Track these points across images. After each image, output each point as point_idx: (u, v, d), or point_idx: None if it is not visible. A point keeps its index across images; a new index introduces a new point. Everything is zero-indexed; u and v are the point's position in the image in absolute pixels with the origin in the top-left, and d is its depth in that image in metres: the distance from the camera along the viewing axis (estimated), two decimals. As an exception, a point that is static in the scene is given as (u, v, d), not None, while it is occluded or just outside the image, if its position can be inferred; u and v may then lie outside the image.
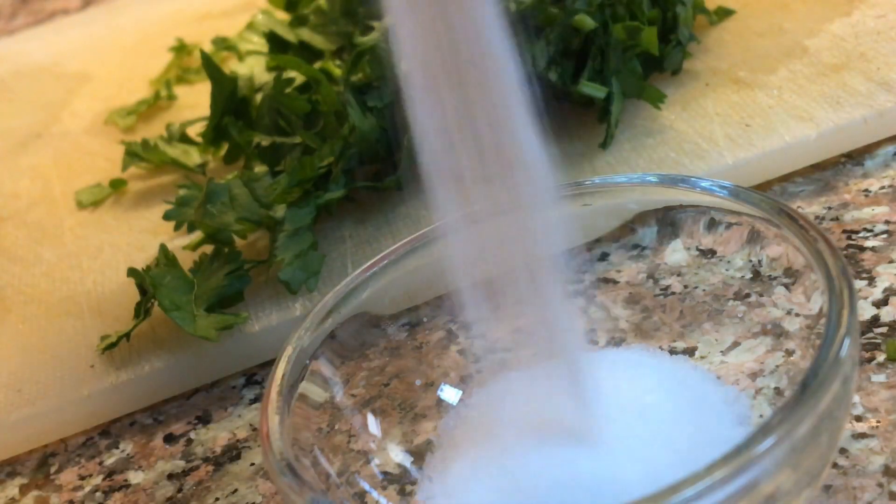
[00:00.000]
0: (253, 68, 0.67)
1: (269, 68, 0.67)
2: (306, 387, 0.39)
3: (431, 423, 0.41)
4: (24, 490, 0.49)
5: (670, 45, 0.60)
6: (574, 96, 0.57)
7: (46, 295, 0.59)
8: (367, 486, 0.39)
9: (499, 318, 0.40)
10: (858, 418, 0.40)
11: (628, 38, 0.57)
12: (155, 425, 0.51)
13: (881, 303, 0.45)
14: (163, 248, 0.53)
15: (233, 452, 0.48)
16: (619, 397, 0.38)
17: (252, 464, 0.47)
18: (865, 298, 0.45)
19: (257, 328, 0.51)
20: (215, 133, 0.62)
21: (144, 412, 0.52)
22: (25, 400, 0.52)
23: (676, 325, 0.42)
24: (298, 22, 0.70)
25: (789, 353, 0.38)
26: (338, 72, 0.61)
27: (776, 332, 0.39)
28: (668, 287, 0.43)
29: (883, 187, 0.51)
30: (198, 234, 0.56)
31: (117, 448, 0.50)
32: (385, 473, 0.40)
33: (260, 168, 0.57)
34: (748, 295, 0.40)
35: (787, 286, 0.39)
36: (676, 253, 0.42)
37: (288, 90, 0.59)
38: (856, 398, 0.41)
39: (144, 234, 0.61)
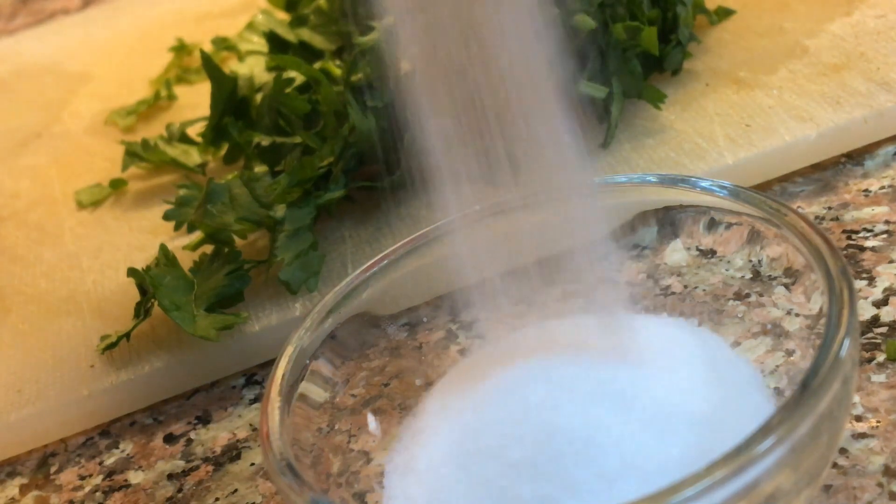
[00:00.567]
0: (253, 68, 0.68)
1: (269, 68, 0.67)
2: (306, 387, 0.39)
3: (431, 423, 0.41)
4: (24, 490, 0.49)
5: (670, 45, 0.60)
6: (574, 96, 0.57)
7: (46, 295, 0.59)
8: (367, 486, 0.39)
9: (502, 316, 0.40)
10: (858, 418, 0.40)
11: (628, 38, 0.57)
12: (155, 425, 0.51)
13: (881, 303, 0.45)
14: (163, 248, 0.53)
15: (233, 452, 0.48)
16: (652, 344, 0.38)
17: (252, 464, 0.47)
18: (865, 298, 0.45)
19: (257, 328, 0.51)
20: (215, 133, 0.62)
21: (144, 412, 0.52)
22: (25, 400, 0.52)
23: (676, 325, 0.42)
24: (298, 22, 0.70)
25: (789, 353, 0.38)
26: (338, 72, 0.61)
27: (776, 332, 0.39)
28: (668, 287, 0.43)
29: (883, 187, 0.51)
30: (198, 234, 0.56)
31: (117, 448, 0.50)
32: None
33: (260, 168, 0.57)
34: (748, 295, 0.40)
35: (787, 286, 0.39)
36: (676, 253, 0.42)
37: (288, 90, 0.59)
38: (856, 398, 0.41)
39: (144, 234, 0.61)
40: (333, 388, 0.41)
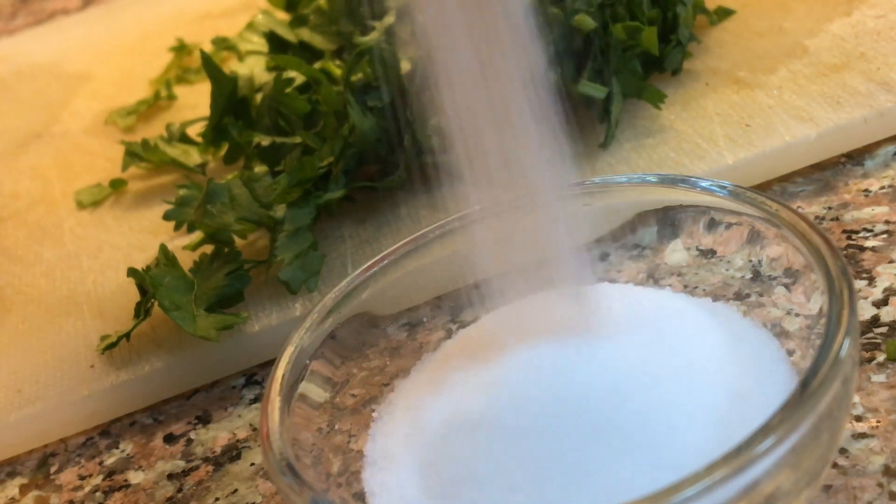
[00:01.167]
0: (253, 68, 0.67)
1: (269, 68, 0.67)
2: (306, 387, 0.39)
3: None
4: (24, 490, 0.49)
5: (670, 45, 0.60)
6: (574, 96, 0.57)
7: (46, 295, 0.59)
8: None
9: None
10: (858, 418, 0.40)
11: (628, 38, 0.57)
12: (155, 425, 0.51)
13: (881, 303, 0.45)
14: (163, 248, 0.53)
15: (233, 452, 0.48)
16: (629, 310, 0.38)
17: (252, 464, 0.47)
18: (865, 298, 0.45)
19: (257, 328, 0.51)
20: (215, 133, 0.62)
21: (144, 412, 0.52)
22: (25, 400, 0.52)
23: (676, 325, 0.42)
24: (298, 22, 0.70)
25: (789, 353, 0.38)
26: (338, 72, 0.61)
27: (776, 332, 0.39)
28: (668, 287, 0.43)
29: (883, 187, 0.51)
30: (198, 234, 0.56)
31: (117, 448, 0.50)
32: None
33: (260, 168, 0.57)
34: (748, 295, 0.40)
35: (787, 286, 0.39)
36: (676, 253, 0.42)
37: (288, 90, 0.59)
38: (856, 398, 0.41)
39: (144, 234, 0.61)
40: (333, 388, 0.41)
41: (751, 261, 0.40)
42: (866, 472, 0.38)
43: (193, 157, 0.65)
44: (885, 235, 0.48)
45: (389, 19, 0.61)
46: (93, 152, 0.72)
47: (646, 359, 0.36)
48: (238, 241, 0.54)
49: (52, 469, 0.50)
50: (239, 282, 0.52)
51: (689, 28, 0.61)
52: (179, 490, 0.47)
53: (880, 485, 0.37)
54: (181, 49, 0.80)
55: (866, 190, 0.52)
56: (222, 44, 0.77)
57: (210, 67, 0.60)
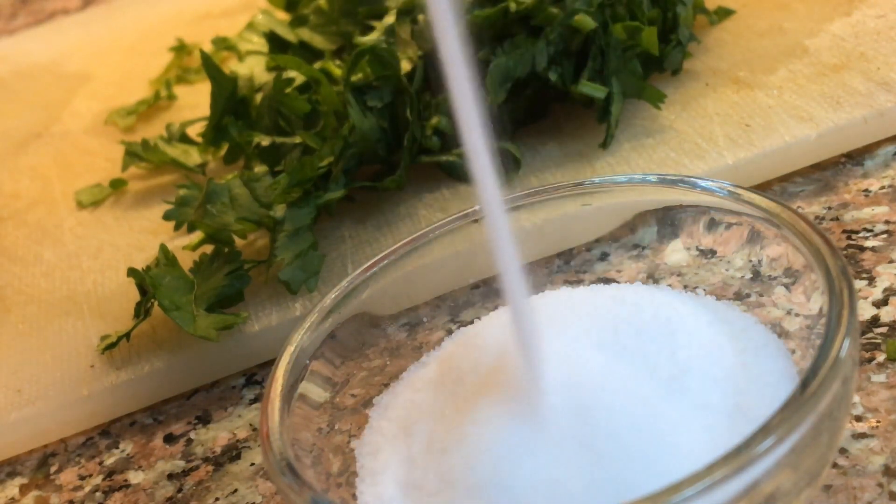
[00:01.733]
0: (253, 68, 0.68)
1: (269, 68, 0.67)
2: (306, 387, 0.39)
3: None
4: (24, 490, 0.49)
5: (670, 45, 0.60)
6: (574, 96, 0.57)
7: (46, 295, 0.59)
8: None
9: None
10: (858, 418, 0.40)
11: (628, 38, 0.57)
12: (155, 425, 0.51)
13: (881, 303, 0.45)
14: (163, 248, 0.53)
15: (233, 452, 0.48)
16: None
17: (252, 464, 0.47)
18: (865, 298, 0.45)
19: (257, 328, 0.51)
20: (215, 133, 0.62)
21: (144, 412, 0.52)
22: (25, 400, 0.52)
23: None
24: (298, 22, 0.70)
25: (789, 353, 0.38)
26: (338, 72, 0.61)
27: (776, 332, 0.39)
28: (668, 287, 0.43)
29: (883, 187, 0.51)
30: (198, 234, 0.56)
31: (117, 448, 0.50)
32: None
33: (260, 168, 0.57)
34: (748, 295, 0.40)
35: (787, 286, 0.39)
36: (676, 253, 0.42)
37: (288, 90, 0.59)
38: (856, 398, 0.41)
39: (144, 234, 0.61)
40: (333, 388, 0.41)
41: (751, 261, 0.40)
42: (866, 472, 0.38)
43: (193, 157, 0.65)
44: (885, 235, 0.48)
45: (389, 19, 0.61)
46: (93, 152, 0.72)
47: (645, 360, 0.36)
48: (238, 241, 0.54)
49: (52, 469, 0.50)
50: (239, 282, 0.52)
51: (689, 28, 0.61)
52: (179, 490, 0.47)
53: (880, 485, 0.37)
54: (181, 49, 0.80)
55: (866, 190, 0.52)
56: (222, 44, 0.77)
57: (210, 67, 0.60)
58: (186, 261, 0.53)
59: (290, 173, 0.54)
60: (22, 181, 0.72)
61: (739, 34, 0.63)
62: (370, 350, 0.42)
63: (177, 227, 0.58)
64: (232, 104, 0.61)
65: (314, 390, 0.39)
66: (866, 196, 0.51)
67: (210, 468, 0.47)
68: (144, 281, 0.52)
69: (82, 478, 0.49)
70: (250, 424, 0.49)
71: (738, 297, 0.41)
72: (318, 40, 0.68)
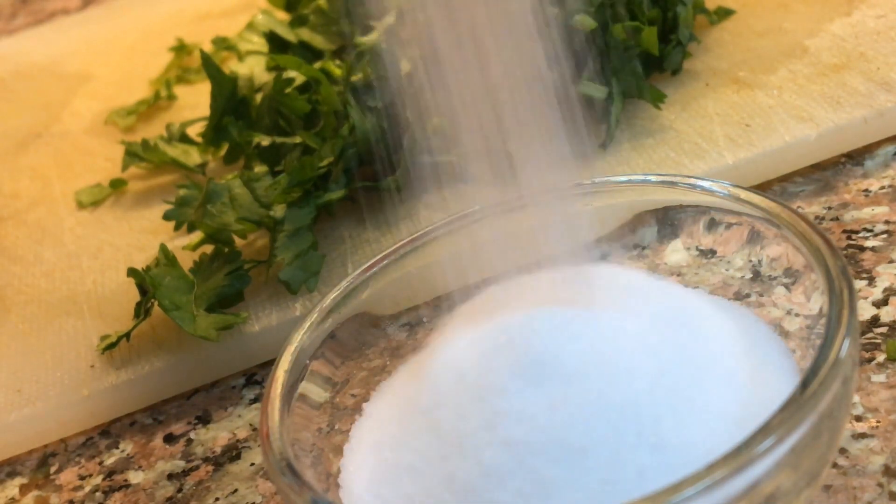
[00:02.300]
0: (253, 68, 0.67)
1: (269, 68, 0.67)
2: (306, 387, 0.39)
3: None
4: (24, 490, 0.49)
5: (670, 45, 0.60)
6: (574, 96, 0.57)
7: (46, 295, 0.59)
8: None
9: None
10: (858, 418, 0.40)
11: (628, 38, 0.57)
12: (155, 425, 0.51)
13: (881, 303, 0.45)
14: (163, 248, 0.53)
15: (233, 452, 0.48)
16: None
17: (252, 464, 0.47)
18: (865, 298, 0.45)
19: (257, 328, 0.51)
20: (215, 133, 0.62)
21: (144, 412, 0.52)
22: (25, 400, 0.52)
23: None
24: (298, 22, 0.70)
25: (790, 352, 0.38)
26: (338, 72, 0.61)
27: (776, 332, 0.39)
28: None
29: (883, 187, 0.51)
30: (198, 234, 0.56)
31: (117, 448, 0.50)
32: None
33: (260, 168, 0.57)
34: (748, 295, 0.40)
35: (787, 286, 0.39)
36: (676, 253, 0.42)
37: (288, 90, 0.59)
38: (856, 398, 0.41)
39: (144, 234, 0.61)
40: (333, 388, 0.41)
41: (751, 261, 0.40)
42: (866, 472, 0.38)
43: (193, 157, 0.65)
44: (885, 235, 0.48)
45: (389, 19, 0.61)
46: (93, 152, 0.72)
47: (653, 344, 0.36)
48: (238, 241, 0.54)
49: (52, 469, 0.50)
50: (239, 282, 0.52)
51: (689, 28, 0.61)
52: (179, 490, 0.47)
53: (880, 485, 0.37)
54: (181, 49, 0.80)
55: (866, 190, 0.52)
56: (222, 44, 0.77)
57: (210, 67, 0.60)
58: (186, 261, 0.53)
59: (290, 173, 0.54)
60: (22, 181, 0.72)
61: (739, 34, 0.63)
62: (370, 350, 0.42)
63: (177, 227, 0.58)
64: (232, 104, 0.61)
65: (314, 390, 0.39)
66: (866, 196, 0.51)
67: (210, 468, 0.47)
68: (144, 281, 0.52)
69: (82, 478, 0.49)
70: (250, 424, 0.49)
71: (738, 297, 0.41)
72: (318, 40, 0.68)
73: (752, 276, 0.40)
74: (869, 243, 0.48)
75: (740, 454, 0.30)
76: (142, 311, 0.52)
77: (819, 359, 0.32)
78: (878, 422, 0.40)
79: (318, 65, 0.63)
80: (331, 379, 0.41)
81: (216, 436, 0.49)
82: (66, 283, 0.59)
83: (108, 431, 0.52)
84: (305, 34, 0.68)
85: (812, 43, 0.60)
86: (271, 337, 0.51)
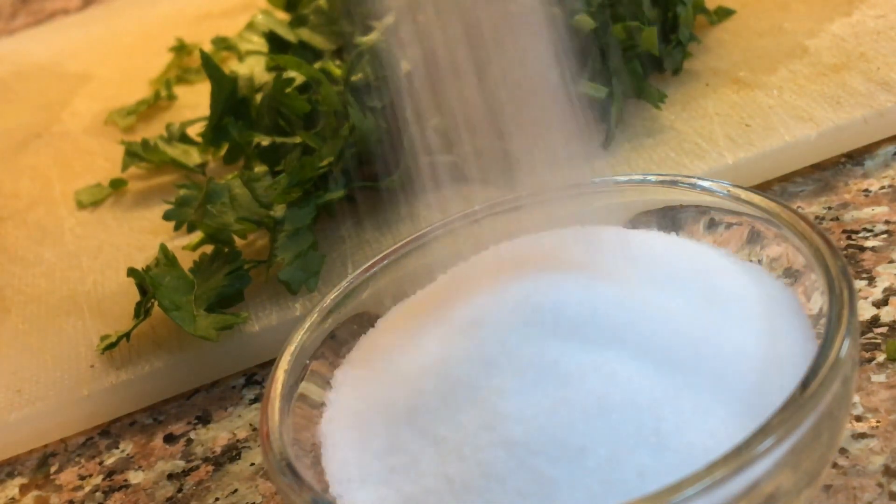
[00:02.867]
0: (253, 68, 0.67)
1: (269, 68, 0.67)
2: (306, 387, 0.39)
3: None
4: (24, 490, 0.49)
5: (671, 45, 0.60)
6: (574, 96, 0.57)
7: (46, 295, 0.59)
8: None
9: None
10: (858, 418, 0.40)
11: (628, 38, 0.57)
12: (155, 425, 0.51)
13: (881, 303, 0.45)
14: (163, 248, 0.53)
15: (233, 452, 0.48)
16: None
17: (252, 464, 0.47)
18: (865, 298, 0.45)
19: (257, 328, 0.51)
20: (215, 133, 0.62)
21: (144, 412, 0.52)
22: (25, 400, 0.52)
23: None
24: (298, 22, 0.70)
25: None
26: (338, 72, 0.61)
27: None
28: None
29: (883, 187, 0.51)
30: (198, 234, 0.56)
31: (117, 448, 0.50)
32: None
33: (260, 168, 0.57)
34: (748, 295, 0.40)
35: (787, 286, 0.38)
36: (676, 253, 0.42)
37: (288, 90, 0.59)
38: (856, 398, 0.41)
39: (144, 234, 0.61)
40: (334, 388, 0.41)
41: (751, 260, 0.40)
42: (866, 472, 0.38)
43: (193, 157, 0.65)
44: (885, 235, 0.48)
45: (389, 19, 0.61)
46: (93, 152, 0.72)
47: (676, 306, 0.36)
48: (238, 241, 0.54)
49: (52, 469, 0.50)
50: (239, 282, 0.52)
51: (689, 28, 0.61)
52: (179, 490, 0.47)
53: (880, 485, 0.37)
54: (181, 49, 0.80)
55: (866, 190, 0.52)
56: (222, 44, 0.77)
57: (210, 67, 0.60)
58: (186, 261, 0.53)
59: (290, 173, 0.54)
60: (22, 181, 0.72)
61: (739, 34, 0.63)
62: (370, 350, 0.42)
63: (177, 227, 0.58)
64: (232, 104, 0.61)
65: (314, 390, 0.39)
66: (866, 196, 0.51)
67: (210, 468, 0.47)
68: (144, 281, 0.52)
69: (82, 478, 0.49)
70: (250, 424, 0.49)
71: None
72: (318, 40, 0.68)
73: (752, 276, 0.40)
74: (869, 243, 0.48)
75: (740, 454, 0.30)
76: (142, 311, 0.52)
77: (819, 359, 0.32)
78: (878, 422, 0.40)
79: (318, 65, 0.63)
80: (331, 379, 0.41)
81: (216, 436, 0.49)
82: (66, 283, 0.59)
83: (108, 431, 0.52)
84: (305, 34, 0.68)
85: (812, 43, 0.60)
86: (271, 337, 0.51)
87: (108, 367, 0.52)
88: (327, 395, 0.39)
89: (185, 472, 0.48)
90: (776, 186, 0.54)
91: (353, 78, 0.57)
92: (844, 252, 0.48)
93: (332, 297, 0.41)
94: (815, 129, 0.53)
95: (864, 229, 0.49)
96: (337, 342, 0.41)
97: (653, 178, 0.42)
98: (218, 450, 0.48)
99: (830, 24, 0.61)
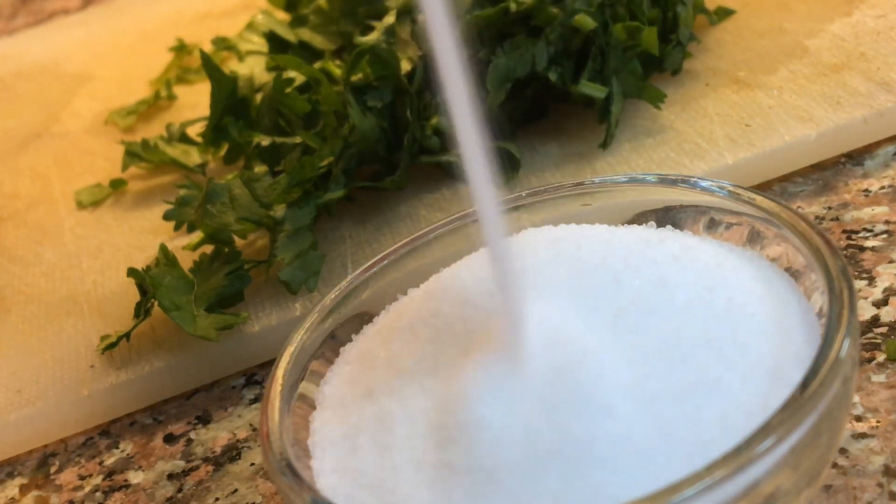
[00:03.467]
0: (253, 68, 0.68)
1: (269, 68, 0.67)
2: (306, 387, 0.39)
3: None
4: (24, 490, 0.49)
5: (670, 45, 0.60)
6: (574, 96, 0.57)
7: (46, 295, 0.59)
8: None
9: None
10: (858, 418, 0.40)
11: (628, 38, 0.57)
12: (155, 425, 0.51)
13: (881, 303, 0.45)
14: (163, 248, 0.53)
15: (233, 452, 0.48)
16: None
17: (252, 464, 0.47)
18: (865, 298, 0.45)
19: (257, 328, 0.51)
20: (215, 133, 0.62)
21: (144, 412, 0.52)
22: (25, 400, 0.52)
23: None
24: (298, 22, 0.70)
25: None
26: (338, 72, 0.61)
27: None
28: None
29: (883, 187, 0.51)
30: (198, 234, 0.56)
31: (117, 448, 0.50)
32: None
33: (260, 168, 0.57)
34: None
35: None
36: (676, 253, 0.42)
37: (288, 90, 0.59)
38: (856, 398, 0.41)
39: (144, 234, 0.61)
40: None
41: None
42: (866, 472, 0.38)
43: (193, 157, 0.65)
44: (885, 235, 0.48)
45: (389, 19, 0.61)
46: (93, 152, 0.72)
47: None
48: (238, 241, 0.54)
49: (52, 469, 0.50)
50: (239, 282, 0.52)
51: (689, 28, 0.61)
52: (179, 490, 0.47)
53: (880, 485, 0.37)
54: (181, 49, 0.80)
55: (866, 190, 0.52)
56: (222, 44, 0.77)
57: (210, 67, 0.60)
58: (186, 261, 0.53)
59: (290, 173, 0.54)
60: (22, 181, 0.72)
61: (739, 34, 0.63)
62: (370, 350, 0.42)
63: (177, 227, 0.58)
64: (232, 104, 0.61)
65: (314, 390, 0.39)
66: (866, 196, 0.51)
67: (210, 468, 0.47)
68: (144, 281, 0.52)
69: (82, 478, 0.49)
70: (250, 424, 0.49)
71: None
72: (318, 40, 0.68)
73: (752, 276, 0.40)
74: (869, 243, 0.48)
75: (740, 454, 0.30)
76: (142, 311, 0.52)
77: (819, 359, 0.32)
78: (878, 422, 0.40)
79: (318, 65, 0.63)
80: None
81: (216, 436, 0.49)
82: (66, 283, 0.59)
83: (108, 431, 0.52)
84: (305, 34, 0.69)
85: (812, 43, 0.60)
86: (271, 337, 0.51)
87: (108, 367, 0.52)
88: (315, 393, 0.39)
89: (185, 472, 0.48)
90: (776, 186, 0.54)
91: (353, 78, 0.57)
92: (844, 252, 0.48)
93: (332, 297, 0.41)
94: (815, 129, 0.53)
95: (864, 229, 0.49)
96: (337, 342, 0.41)
97: (653, 178, 0.42)
98: (218, 450, 0.48)
99: (830, 24, 0.61)
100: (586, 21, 0.55)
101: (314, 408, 0.39)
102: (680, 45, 0.60)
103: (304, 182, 0.54)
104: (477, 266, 0.39)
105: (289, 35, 0.69)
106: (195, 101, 0.73)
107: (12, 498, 0.49)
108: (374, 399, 0.36)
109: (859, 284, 0.46)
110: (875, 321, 0.44)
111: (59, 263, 0.61)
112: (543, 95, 0.59)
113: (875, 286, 0.46)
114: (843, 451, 0.39)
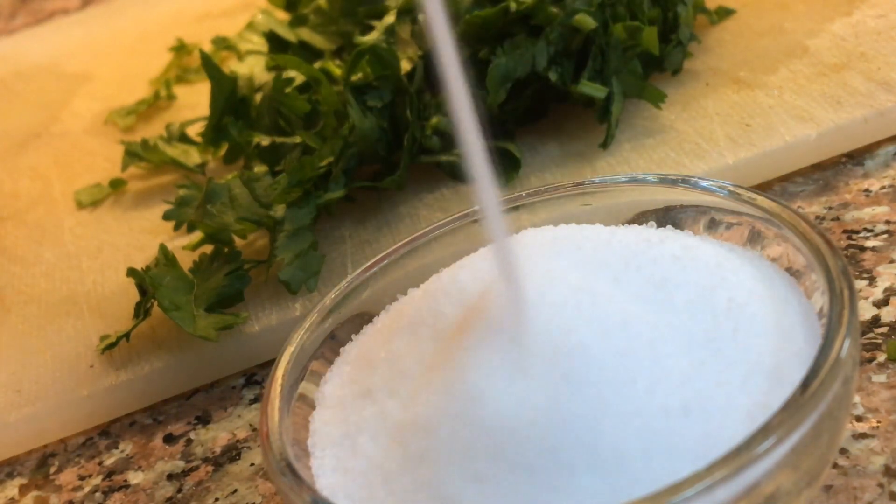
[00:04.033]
0: (253, 68, 0.68)
1: (269, 68, 0.67)
2: (306, 387, 0.39)
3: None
4: (23, 490, 0.49)
5: (671, 44, 0.60)
6: (574, 96, 0.57)
7: (46, 295, 0.59)
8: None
9: None
10: (858, 418, 0.40)
11: (628, 38, 0.57)
12: (155, 425, 0.51)
13: (881, 303, 0.45)
14: (163, 248, 0.53)
15: (233, 452, 0.48)
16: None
17: (252, 464, 0.47)
18: (866, 298, 0.45)
19: (257, 328, 0.51)
20: (215, 133, 0.62)
21: (144, 412, 0.52)
22: (25, 400, 0.52)
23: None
24: (298, 22, 0.70)
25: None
26: (338, 72, 0.61)
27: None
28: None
29: (883, 187, 0.51)
30: (198, 234, 0.56)
31: (117, 448, 0.50)
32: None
33: (260, 168, 0.57)
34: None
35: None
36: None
37: (288, 90, 0.59)
38: (856, 398, 0.41)
39: (144, 234, 0.61)
40: (333, 388, 0.41)
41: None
42: (866, 472, 0.38)
43: (193, 157, 0.65)
44: (885, 235, 0.48)
45: (389, 19, 0.61)
46: (93, 152, 0.72)
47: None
48: (238, 241, 0.54)
49: (52, 469, 0.50)
50: (239, 282, 0.52)
51: (689, 28, 0.61)
52: (179, 490, 0.47)
53: (880, 485, 0.37)
54: (181, 49, 0.80)
55: (867, 190, 0.52)
56: (222, 44, 0.77)
57: (210, 67, 0.60)
58: (186, 261, 0.53)
59: (290, 173, 0.54)
60: (22, 181, 0.72)
61: (740, 34, 0.63)
62: (370, 350, 0.42)
63: (177, 227, 0.58)
64: (232, 104, 0.61)
65: (314, 390, 0.39)
66: (867, 196, 0.51)
67: (210, 468, 0.47)
68: (144, 281, 0.52)
69: (82, 478, 0.49)
70: (250, 424, 0.49)
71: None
72: (318, 40, 0.68)
73: (752, 276, 0.40)
74: (869, 243, 0.48)
75: (740, 454, 0.30)
76: (142, 311, 0.52)
77: (819, 359, 0.32)
78: (879, 422, 0.40)
79: (318, 65, 0.63)
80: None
81: (216, 436, 0.49)
82: (66, 283, 0.59)
83: (108, 431, 0.52)
84: (305, 34, 0.69)
85: (812, 43, 0.60)
86: (271, 337, 0.51)
87: (107, 367, 0.52)
88: (315, 393, 0.39)
89: (185, 473, 0.48)
90: (776, 186, 0.53)
91: (353, 78, 0.57)
92: (845, 252, 0.48)
93: (332, 297, 0.41)
94: (815, 129, 0.53)
95: (865, 229, 0.49)
96: (337, 342, 0.41)
97: (653, 178, 0.42)
98: (218, 450, 0.48)
99: (831, 23, 0.61)
100: (586, 21, 0.55)
101: (314, 408, 0.39)
102: (680, 45, 0.60)
103: (304, 182, 0.54)
104: (477, 266, 0.39)
105: (289, 35, 0.69)
106: (195, 101, 0.73)
107: (12, 498, 0.49)
108: (374, 399, 0.36)
109: (860, 284, 0.46)
110: (875, 321, 0.44)
111: (58, 263, 0.61)
112: (543, 95, 0.59)
113: (875, 286, 0.46)
114: (843, 451, 0.39)
